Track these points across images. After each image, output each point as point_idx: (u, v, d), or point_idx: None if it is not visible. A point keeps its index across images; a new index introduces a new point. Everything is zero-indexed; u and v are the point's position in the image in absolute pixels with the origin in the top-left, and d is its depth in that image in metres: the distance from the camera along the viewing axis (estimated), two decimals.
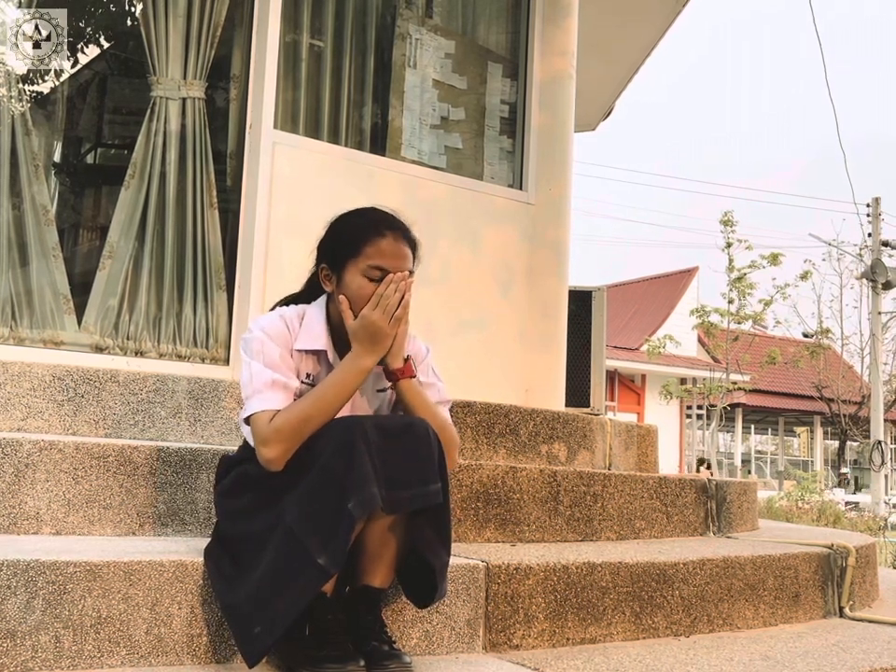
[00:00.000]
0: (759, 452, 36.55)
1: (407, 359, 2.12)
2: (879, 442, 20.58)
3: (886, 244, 22.81)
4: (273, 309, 2.24)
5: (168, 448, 2.50)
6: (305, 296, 2.27)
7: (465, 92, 4.84)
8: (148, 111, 3.94)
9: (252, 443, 2.08)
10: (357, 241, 2.10)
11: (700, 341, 27.25)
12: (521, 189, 4.84)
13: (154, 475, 2.45)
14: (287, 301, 2.29)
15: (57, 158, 5.27)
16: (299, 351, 2.12)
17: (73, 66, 5.02)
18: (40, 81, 4.34)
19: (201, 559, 2.06)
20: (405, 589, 2.16)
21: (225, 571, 2.01)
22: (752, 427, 34.18)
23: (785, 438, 36.22)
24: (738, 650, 2.52)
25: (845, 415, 27.17)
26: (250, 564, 1.96)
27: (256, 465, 2.09)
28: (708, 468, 23.60)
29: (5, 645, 1.84)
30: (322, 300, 2.20)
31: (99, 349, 3.71)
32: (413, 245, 2.16)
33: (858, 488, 26.63)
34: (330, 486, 1.91)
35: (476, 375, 4.40)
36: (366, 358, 2.05)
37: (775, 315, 23.91)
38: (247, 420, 2.05)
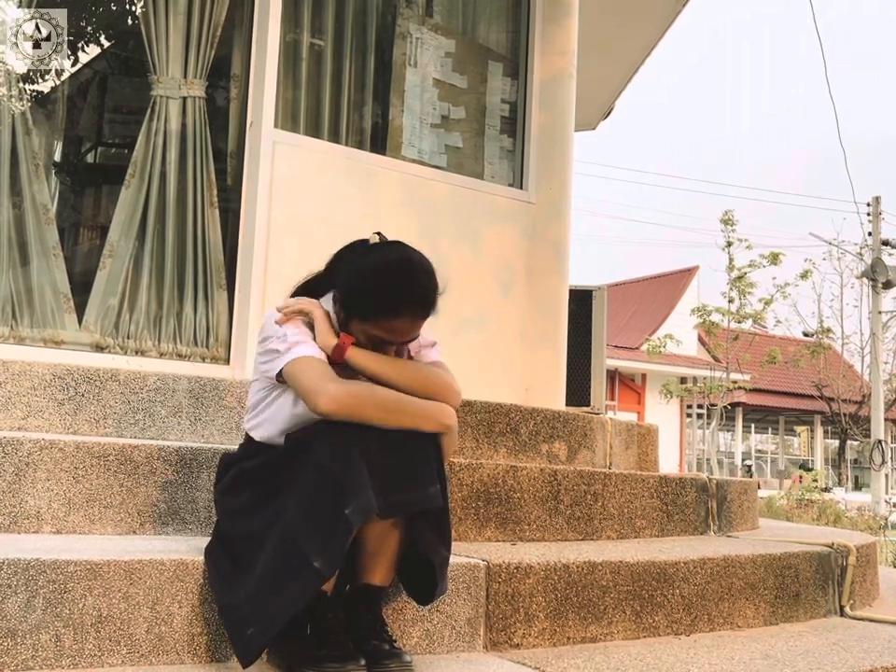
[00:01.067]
0: (759, 451, 36.56)
1: (338, 336, 2.06)
2: (880, 442, 20.57)
3: (886, 243, 22.80)
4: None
5: (169, 447, 2.50)
6: (319, 286, 2.22)
7: (465, 92, 4.84)
8: (149, 110, 3.94)
9: (258, 435, 2.13)
10: (372, 310, 2.04)
11: (700, 340, 27.26)
12: (521, 188, 4.84)
13: (155, 474, 2.45)
14: (299, 291, 2.25)
15: (57, 157, 5.27)
16: None
17: (73, 65, 5.02)
18: (40, 80, 4.34)
19: (201, 558, 2.06)
20: (406, 587, 2.16)
21: (224, 571, 2.01)
22: (752, 426, 34.20)
23: (785, 437, 36.22)
24: (739, 648, 2.52)
25: (845, 415, 27.17)
26: (249, 564, 1.95)
27: (254, 462, 2.09)
28: (809, 470, 23.51)
29: (5, 644, 1.84)
30: (330, 297, 2.17)
31: (99, 348, 3.71)
32: (429, 313, 2.10)
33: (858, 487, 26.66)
34: (327, 488, 1.90)
35: (476, 374, 4.39)
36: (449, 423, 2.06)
37: (775, 315, 23.90)
38: (279, 376, 2.03)
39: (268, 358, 2.08)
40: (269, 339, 2.08)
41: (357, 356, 2.05)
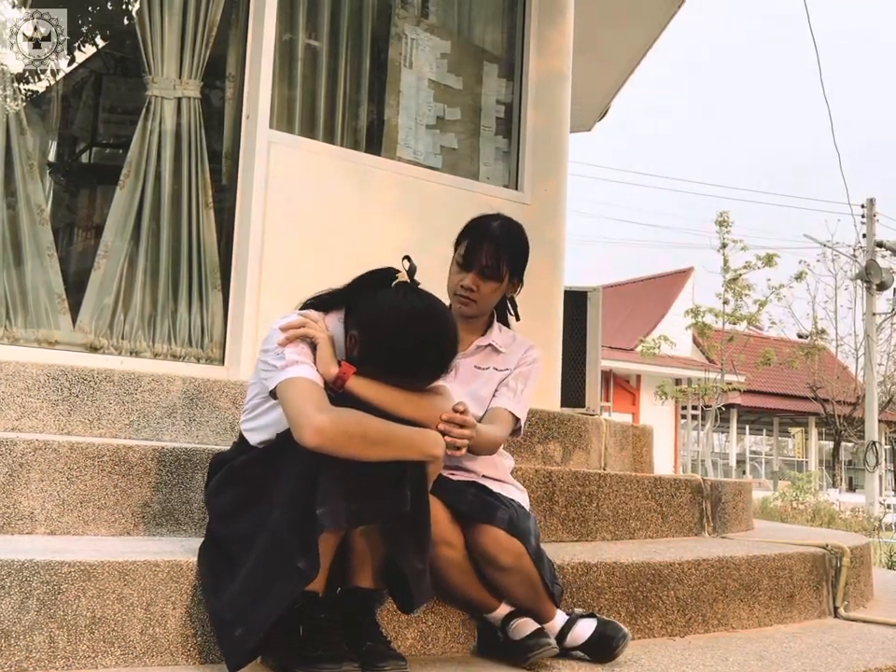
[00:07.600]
0: (754, 452, 36.57)
1: (340, 364, 2.02)
2: (874, 443, 20.58)
3: (880, 245, 22.80)
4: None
5: (163, 448, 2.49)
6: (330, 303, 2.18)
7: (461, 92, 4.84)
8: (144, 110, 3.93)
9: (253, 440, 2.12)
10: (389, 369, 2.01)
11: (695, 341, 27.27)
12: (516, 188, 4.83)
13: (149, 475, 2.45)
14: (309, 304, 2.19)
15: (52, 157, 5.27)
16: None
17: (68, 65, 5.02)
18: (36, 80, 4.33)
19: (195, 559, 2.06)
20: (391, 593, 2.15)
21: (215, 573, 2.01)
22: (747, 427, 34.20)
23: (780, 438, 36.26)
24: (733, 650, 2.52)
25: (839, 416, 27.19)
26: (239, 564, 1.95)
27: (244, 459, 2.09)
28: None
29: None
30: (341, 315, 2.13)
31: (94, 349, 3.70)
32: (446, 373, 2.09)
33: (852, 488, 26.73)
34: (307, 488, 1.90)
35: None
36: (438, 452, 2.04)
37: (769, 316, 23.90)
38: (273, 393, 2.00)
39: (266, 369, 2.05)
40: (268, 352, 2.05)
41: (357, 386, 2.00)
